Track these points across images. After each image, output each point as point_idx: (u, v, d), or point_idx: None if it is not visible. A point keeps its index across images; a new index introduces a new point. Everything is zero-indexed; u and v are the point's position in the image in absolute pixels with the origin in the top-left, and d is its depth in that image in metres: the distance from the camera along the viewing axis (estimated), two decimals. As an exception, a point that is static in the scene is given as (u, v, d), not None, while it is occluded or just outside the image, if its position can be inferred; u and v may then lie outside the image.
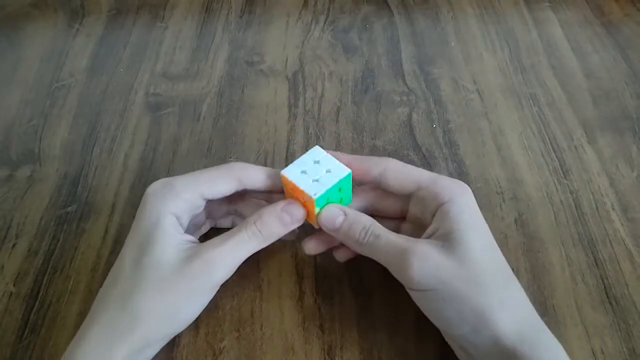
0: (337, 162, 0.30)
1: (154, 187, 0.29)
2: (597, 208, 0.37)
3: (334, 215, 0.29)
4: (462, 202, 0.28)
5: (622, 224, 0.36)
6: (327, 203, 0.29)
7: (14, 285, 0.33)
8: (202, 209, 0.30)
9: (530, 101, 0.44)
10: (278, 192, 0.31)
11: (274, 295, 0.33)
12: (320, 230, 0.30)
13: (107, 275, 0.33)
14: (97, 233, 0.36)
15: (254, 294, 0.33)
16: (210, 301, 0.30)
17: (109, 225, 0.36)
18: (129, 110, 0.44)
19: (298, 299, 0.33)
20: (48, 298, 0.33)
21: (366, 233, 0.28)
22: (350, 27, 0.51)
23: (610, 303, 0.32)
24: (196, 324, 0.31)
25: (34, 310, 0.32)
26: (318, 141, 0.41)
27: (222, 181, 0.29)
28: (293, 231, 0.31)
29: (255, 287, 0.33)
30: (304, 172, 0.29)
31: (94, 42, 0.49)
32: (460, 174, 0.39)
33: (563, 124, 0.42)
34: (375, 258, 0.29)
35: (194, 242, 0.29)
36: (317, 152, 0.30)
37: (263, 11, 0.52)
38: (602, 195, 0.38)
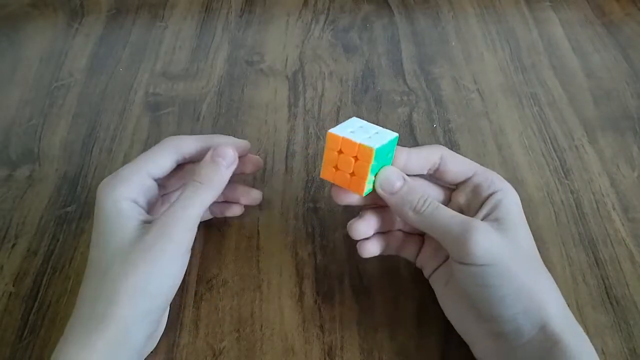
0: (380, 127, 0.29)
1: (104, 181, 0.29)
2: (597, 208, 0.37)
3: (393, 178, 0.28)
4: (512, 194, 0.29)
5: (622, 224, 0.36)
6: (379, 161, 0.28)
7: (13, 286, 0.33)
8: (155, 189, 0.31)
9: (531, 101, 0.44)
10: None
11: (274, 295, 0.33)
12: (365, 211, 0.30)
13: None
14: (97, 233, 0.36)
15: (254, 294, 0.33)
16: (210, 302, 0.30)
17: (108, 225, 0.36)
18: (129, 110, 0.43)
19: (298, 300, 0.33)
20: (47, 298, 0.33)
21: (425, 202, 0.28)
22: (350, 26, 0.51)
23: (611, 303, 0.32)
24: (196, 324, 0.31)
25: (34, 310, 0.32)
26: (318, 141, 0.41)
27: (161, 155, 0.30)
28: (240, 207, 0.34)
29: (255, 287, 0.33)
30: (352, 132, 0.28)
31: (93, 41, 0.49)
32: (461, 174, 0.39)
33: (564, 124, 0.42)
34: (429, 230, 0.28)
35: (152, 219, 0.29)
36: (356, 120, 0.29)
37: (263, 11, 0.52)
38: (603, 195, 0.38)
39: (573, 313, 0.31)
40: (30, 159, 0.40)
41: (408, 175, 0.29)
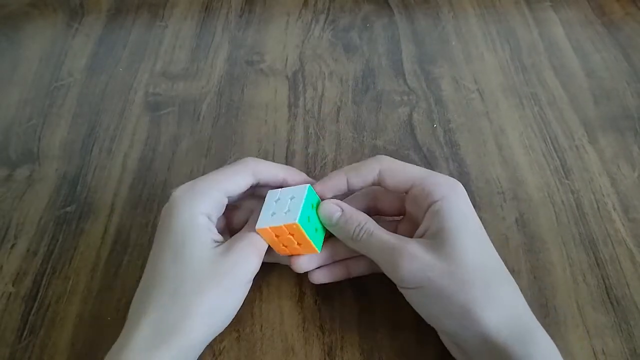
0: (293, 186, 0.31)
1: (182, 190, 0.29)
2: (598, 208, 0.37)
3: (332, 211, 0.30)
4: (452, 200, 0.28)
5: (623, 224, 0.36)
6: (310, 221, 0.29)
7: (13, 286, 0.33)
8: (224, 208, 0.30)
9: (531, 101, 0.44)
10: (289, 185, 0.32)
11: (273, 295, 0.33)
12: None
13: (106, 275, 0.33)
14: (97, 233, 0.36)
15: (254, 295, 0.33)
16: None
17: (108, 226, 0.36)
18: (129, 110, 0.43)
19: (298, 300, 0.32)
20: (47, 298, 0.33)
21: (360, 230, 0.29)
22: (350, 26, 0.51)
23: (612, 303, 0.32)
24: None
25: (33, 310, 0.32)
26: (318, 141, 0.41)
27: (241, 175, 0.30)
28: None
29: (255, 287, 0.33)
30: (273, 213, 0.29)
31: (93, 41, 0.49)
32: (461, 174, 0.39)
33: (564, 124, 0.42)
34: (367, 255, 0.29)
35: (221, 241, 0.29)
36: (272, 194, 0.31)
37: (263, 10, 0.52)
38: (603, 195, 0.38)
39: (573, 313, 0.32)
40: (30, 159, 0.40)
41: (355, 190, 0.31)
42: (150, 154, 0.40)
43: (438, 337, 0.30)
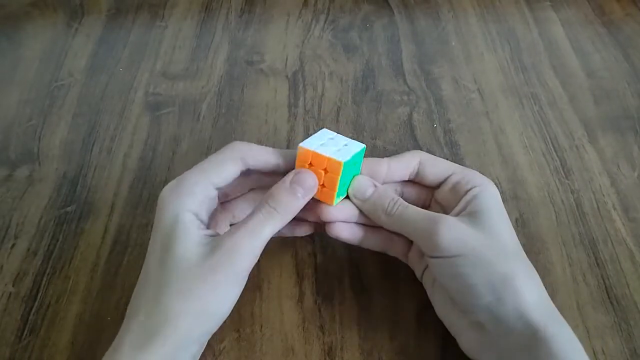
0: (349, 138, 0.30)
1: (167, 188, 0.28)
2: (598, 208, 0.37)
3: (364, 186, 0.30)
4: (491, 190, 0.30)
5: (623, 224, 0.36)
6: (346, 174, 0.29)
7: (13, 286, 0.33)
8: (216, 199, 0.30)
9: (531, 101, 0.44)
10: (281, 173, 0.30)
11: (274, 295, 0.33)
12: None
13: (106, 275, 0.33)
14: (97, 233, 0.36)
15: (254, 295, 0.33)
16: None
17: (108, 225, 0.36)
18: (129, 110, 0.43)
19: (298, 300, 0.33)
20: (47, 298, 0.33)
21: (395, 204, 0.29)
22: (350, 26, 0.51)
23: (612, 303, 0.32)
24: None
25: (33, 310, 0.32)
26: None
27: (227, 164, 0.29)
28: (309, 226, 0.32)
29: (255, 287, 0.33)
30: (322, 144, 0.29)
31: (93, 41, 0.49)
32: (461, 174, 0.39)
33: (564, 124, 0.42)
34: (400, 229, 0.29)
35: (215, 236, 0.28)
36: (326, 132, 0.30)
37: (263, 10, 0.52)
38: (603, 195, 0.38)
39: (573, 313, 0.32)
40: (30, 159, 0.40)
41: (390, 182, 0.31)
42: (151, 154, 0.40)
43: (438, 337, 0.30)
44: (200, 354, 0.29)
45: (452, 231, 0.27)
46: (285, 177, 0.28)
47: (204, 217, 0.29)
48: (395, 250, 0.32)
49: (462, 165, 0.39)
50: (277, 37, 0.49)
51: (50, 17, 0.52)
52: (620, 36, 0.49)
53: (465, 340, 0.28)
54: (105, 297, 0.32)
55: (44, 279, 0.33)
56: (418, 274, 0.32)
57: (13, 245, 0.35)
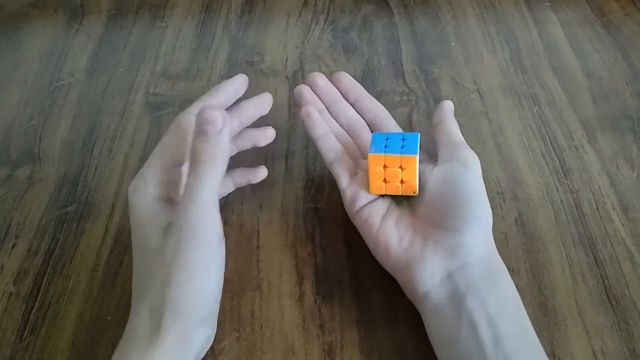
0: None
1: (131, 185, 0.29)
2: (597, 208, 0.37)
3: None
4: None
5: (622, 224, 0.36)
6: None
7: (13, 285, 0.33)
8: (182, 176, 0.30)
9: (531, 101, 0.44)
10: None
11: (274, 295, 0.33)
12: None
13: (107, 275, 0.34)
14: (97, 233, 0.36)
15: (254, 294, 0.33)
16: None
17: (108, 225, 0.36)
18: (129, 110, 0.43)
19: (298, 299, 0.33)
20: (48, 298, 0.33)
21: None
22: (350, 26, 0.51)
23: (611, 303, 0.32)
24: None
25: (34, 310, 0.32)
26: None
27: (175, 142, 0.30)
28: (268, 133, 0.36)
29: (255, 287, 0.33)
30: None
31: (93, 41, 0.49)
32: (461, 174, 0.39)
33: (563, 124, 0.42)
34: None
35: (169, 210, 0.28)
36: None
37: (263, 11, 0.52)
38: (603, 195, 0.38)
39: (573, 313, 0.32)
40: (30, 159, 0.40)
41: None
42: (151, 154, 0.40)
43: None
44: (214, 331, 0.29)
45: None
46: (195, 125, 0.27)
47: (175, 195, 0.29)
48: (342, 169, 0.34)
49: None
50: (277, 37, 0.50)
51: (50, 17, 0.52)
52: (619, 36, 0.49)
53: (428, 278, 0.29)
54: (105, 297, 0.33)
55: (45, 278, 0.34)
56: (358, 204, 0.32)
57: (14, 245, 0.35)
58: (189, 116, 0.30)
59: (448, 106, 0.35)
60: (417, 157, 0.31)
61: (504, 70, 0.47)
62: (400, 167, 0.31)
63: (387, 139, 0.32)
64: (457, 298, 0.28)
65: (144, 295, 0.26)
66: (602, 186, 0.38)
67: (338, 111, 0.37)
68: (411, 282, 0.29)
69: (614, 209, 0.37)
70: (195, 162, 0.26)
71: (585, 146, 0.41)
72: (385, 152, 0.31)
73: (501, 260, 0.30)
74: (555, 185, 0.38)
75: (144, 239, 0.27)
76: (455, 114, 0.43)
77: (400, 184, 0.31)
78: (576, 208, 0.37)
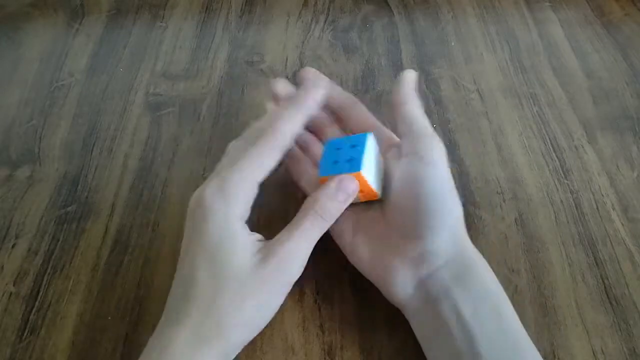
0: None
1: (211, 193, 0.27)
2: (597, 208, 0.37)
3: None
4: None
5: (622, 224, 0.36)
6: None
7: (13, 285, 0.33)
8: (255, 196, 0.29)
9: (531, 101, 0.44)
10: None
11: (274, 295, 0.33)
12: None
13: (107, 275, 0.33)
14: (97, 233, 0.36)
15: (254, 294, 0.33)
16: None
17: (109, 225, 0.36)
18: (129, 110, 0.43)
19: (298, 299, 0.33)
20: (48, 298, 0.33)
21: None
22: (350, 26, 0.51)
23: (611, 303, 0.32)
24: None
25: (34, 310, 0.32)
26: (318, 141, 0.41)
27: (269, 156, 0.28)
28: None
29: (255, 287, 0.33)
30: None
31: (93, 41, 0.49)
32: (461, 174, 0.39)
33: (563, 124, 0.42)
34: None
35: (261, 240, 0.28)
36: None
37: (263, 11, 0.52)
38: (603, 195, 0.38)
39: (573, 313, 0.32)
40: (30, 159, 0.40)
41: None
42: (151, 154, 0.40)
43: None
44: None
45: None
46: (329, 183, 0.29)
47: (248, 215, 0.28)
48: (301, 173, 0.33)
49: (462, 165, 0.39)
50: (277, 37, 0.50)
51: (50, 17, 0.52)
52: (619, 36, 0.49)
53: (400, 284, 0.29)
54: (105, 297, 0.33)
55: (45, 278, 0.34)
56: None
57: (14, 245, 0.35)
58: (287, 130, 0.29)
59: (409, 79, 0.32)
60: (362, 172, 0.29)
61: (504, 70, 0.47)
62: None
63: (338, 150, 0.30)
64: (431, 304, 0.27)
65: (197, 305, 0.26)
66: (602, 186, 0.38)
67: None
68: (388, 293, 0.29)
69: (614, 209, 0.37)
70: (315, 215, 0.28)
71: (585, 146, 0.41)
72: (331, 173, 0.29)
73: (475, 252, 0.29)
74: (555, 185, 0.38)
75: (218, 255, 0.26)
76: (455, 114, 0.43)
77: (361, 194, 0.30)
78: (576, 208, 0.37)
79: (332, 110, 0.35)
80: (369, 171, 0.29)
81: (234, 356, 0.27)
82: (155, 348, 0.25)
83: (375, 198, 0.31)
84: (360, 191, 0.30)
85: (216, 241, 0.26)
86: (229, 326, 0.25)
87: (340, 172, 0.29)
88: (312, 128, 0.35)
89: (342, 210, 0.29)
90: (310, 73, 0.35)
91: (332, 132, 0.35)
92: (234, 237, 0.26)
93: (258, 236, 0.28)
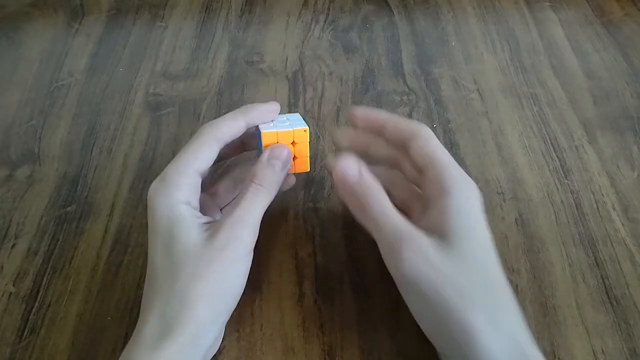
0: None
1: (154, 186, 0.29)
2: (597, 208, 0.37)
3: (351, 168, 0.28)
4: (465, 201, 0.27)
5: (622, 224, 0.36)
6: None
7: (13, 286, 0.33)
8: (200, 184, 0.30)
9: (531, 101, 0.44)
10: (251, 133, 0.32)
11: (274, 295, 0.33)
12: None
13: (107, 275, 0.33)
14: (97, 233, 0.36)
15: (254, 294, 0.33)
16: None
17: (108, 225, 0.36)
18: (129, 110, 0.43)
19: (298, 300, 0.33)
20: (47, 298, 0.33)
21: (376, 200, 0.27)
22: (350, 26, 0.51)
23: (611, 303, 0.32)
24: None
25: (34, 310, 0.32)
26: (318, 141, 0.41)
27: (204, 148, 0.30)
28: (290, 180, 0.34)
29: (255, 287, 0.33)
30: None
31: (93, 41, 0.49)
32: (461, 174, 0.39)
33: (563, 124, 0.42)
34: (369, 229, 0.28)
35: (212, 221, 0.29)
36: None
37: (263, 11, 0.52)
38: (603, 195, 0.38)
39: (573, 313, 0.32)
40: (30, 159, 0.40)
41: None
42: (151, 154, 0.40)
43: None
44: (221, 338, 0.30)
45: (416, 257, 0.25)
46: (262, 155, 0.30)
47: (196, 204, 0.29)
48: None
49: (462, 165, 0.39)
50: (277, 37, 0.50)
51: (50, 17, 0.52)
52: (619, 36, 0.49)
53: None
54: (105, 297, 0.33)
55: (45, 278, 0.33)
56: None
57: (13, 245, 0.35)
58: (221, 127, 0.30)
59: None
60: (308, 130, 0.31)
61: (504, 70, 0.47)
62: (293, 142, 0.31)
63: (272, 122, 0.32)
64: None
65: (160, 291, 0.26)
66: (603, 186, 0.38)
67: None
68: None
69: (614, 209, 0.37)
70: (255, 185, 0.29)
71: (585, 146, 0.41)
72: (277, 129, 0.30)
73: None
74: (556, 185, 0.38)
75: (169, 239, 0.27)
76: (455, 113, 0.43)
77: (294, 162, 0.31)
78: (576, 208, 0.37)
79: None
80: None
81: (206, 340, 0.26)
82: (129, 342, 0.26)
83: (307, 169, 0.32)
84: (294, 158, 0.31)
85: (165, 225, 0.27)
86: (193, 300, 0.25)
87: (287, 129, 0.30)
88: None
89: (282, 177, 0.30)
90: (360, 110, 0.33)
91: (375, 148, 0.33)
92: (180, 219, 0.27)
93: (207, 218, 0.29)
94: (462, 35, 0.50)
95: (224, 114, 0.43)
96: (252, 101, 0.44)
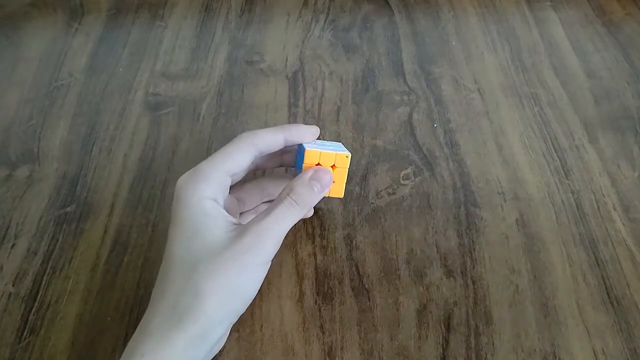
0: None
1: (184, 179, 0.29)
2: (598, 208, 0.37)
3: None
4: None
5: (623, 224, 0.36)
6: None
7: (13, 286, 0.33)
8: (228, 188, 0.31)
9: (532, 101, 0.44)
10: (290, 150, 0.33)
11: (274, 296, 0.33)
12: None
13: (106, 275, 0.33)
14: (96, 233, 0.36)
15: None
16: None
17: (108, 226, 0.36)
18: (129, 110, 0.43)
19: (298, 300, 0.32)
20: (47, 298, 0.33)
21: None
22: (350, 26, 0.51)
23: (612, 303, 0.32)
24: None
25: (33, 310, 0.32)
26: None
27: (240, 152, 0.30)
28: (310, 212, 0.35)
29: (255, 287, 0.33)
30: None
31: (93, 41, 0.49)
32: (461, 174, 0.39)
33: (564, 124, 0.42)
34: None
35: (236, 223, 0.29)
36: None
37: (263, 10, 0.52)
38: (604, 195, 0.38)
39: (573, 313, 0.32)
40: (30, 159, 0.40)
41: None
42: (150, 154, 0.40)
43: (438, 337, 0.30)
44: (226, 338, 0.30)
45: None
46: (305, 173, 0.31)
47: (222, 202, 0.30)
48: None
49: (463, 165, 0.39)
50: (277, 37, 0.49)
51: (50, 17, 0.52)
52: (620, 36, 0.49)
53: None
54: (105, 297, 0.32)
55: (44, 279, 0.33)
56: None
57: (13, 245, 0.35)
58: (259, 137, 0.31)
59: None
60: (349, 156, 0.31)
61: (504, 70, 0.46)
62: (333, 166, 0.31)
63: (314, 144, 0.32)
64: None
65: (175, 282, 0.27)
66: (603, 186, 0.38)
67: None
68: None
69: (615, 209, 0.37)
70: (290, 200, 0.29)
71: (586, 146, 0.41)
72: (321, 150, 0.31)
73: None
74: (556, 185, 0.38)
75: (193, 232, 0.28)
76: (455, 113, 0.43)
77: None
78: (577, 208, 0.37)
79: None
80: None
81: (214, 336, 0.27)
82: (136, 331, 0.26)
83: (341, 195, 0.32)
84: (333, 181, 0.31)
85: (190, 219, 0.28)
86: (206, 294, 0.26)
87: (330, 151, 0.31)
88: None
89: (317, 199, 0.30)
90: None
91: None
92: (207, 215, 0.28)
93: (234, 219, 0.29)
94: (462, 35, 0.50)
95: (224, 113, 0.43)
96: (252, 101, 0.44)
